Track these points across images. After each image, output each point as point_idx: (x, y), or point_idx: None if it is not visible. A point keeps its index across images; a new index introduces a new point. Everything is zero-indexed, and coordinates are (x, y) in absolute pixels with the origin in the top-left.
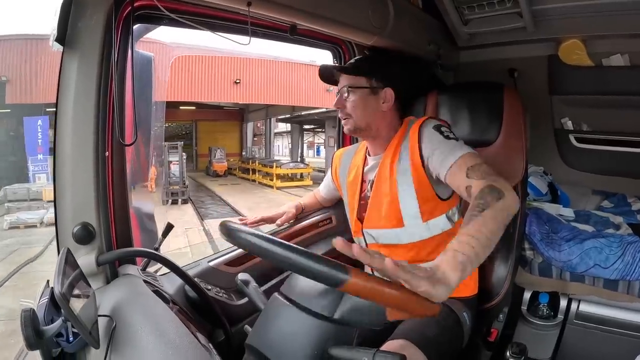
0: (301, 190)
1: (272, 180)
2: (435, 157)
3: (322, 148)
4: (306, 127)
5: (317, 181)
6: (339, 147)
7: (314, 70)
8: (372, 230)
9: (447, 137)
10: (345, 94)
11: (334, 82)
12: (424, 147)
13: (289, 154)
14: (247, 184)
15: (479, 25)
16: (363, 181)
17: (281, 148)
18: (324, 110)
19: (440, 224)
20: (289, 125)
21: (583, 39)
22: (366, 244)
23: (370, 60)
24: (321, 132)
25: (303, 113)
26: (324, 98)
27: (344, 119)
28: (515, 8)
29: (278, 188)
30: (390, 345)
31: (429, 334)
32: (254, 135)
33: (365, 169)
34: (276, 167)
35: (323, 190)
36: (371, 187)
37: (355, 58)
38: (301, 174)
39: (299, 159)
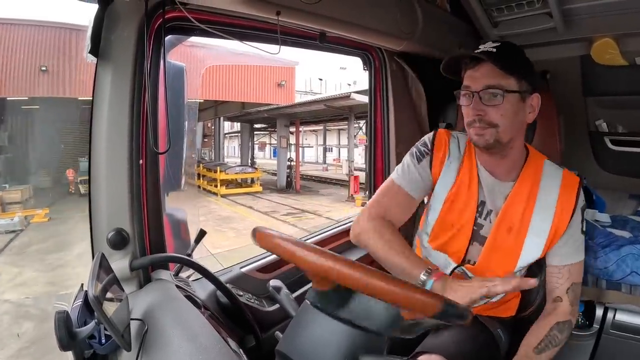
0: (249, 198)
1: (217, 186)
2: (567, 245)
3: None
4: (257, 126)
5: (267, 186)
6: (371, 157)
7: (265, 64)
8: (470, 271)
9: (582, 231)
10: (497, 97)
11: (458, 77)
12: (571, 222)
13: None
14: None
15: (508, 27)
16: (474, 200)
17: (236, 150)
18: (274, 107)
19: None
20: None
21: (615, 37)
22: (452, 269)
23: (519, 55)
24: (275, 131)
25: (251, 110)
26: (276, 94)
27: (483, 129)
28: (545, 8)
29: (223, 195)
30: (427, 359)
31: (466, 350)
32: (204, 136)
33: (481, 188)
34: (220, 171)
35: (412, 192)
36: (487, 217)
37: (495, 45)
38: (251, 179)
39: (249, 162)
